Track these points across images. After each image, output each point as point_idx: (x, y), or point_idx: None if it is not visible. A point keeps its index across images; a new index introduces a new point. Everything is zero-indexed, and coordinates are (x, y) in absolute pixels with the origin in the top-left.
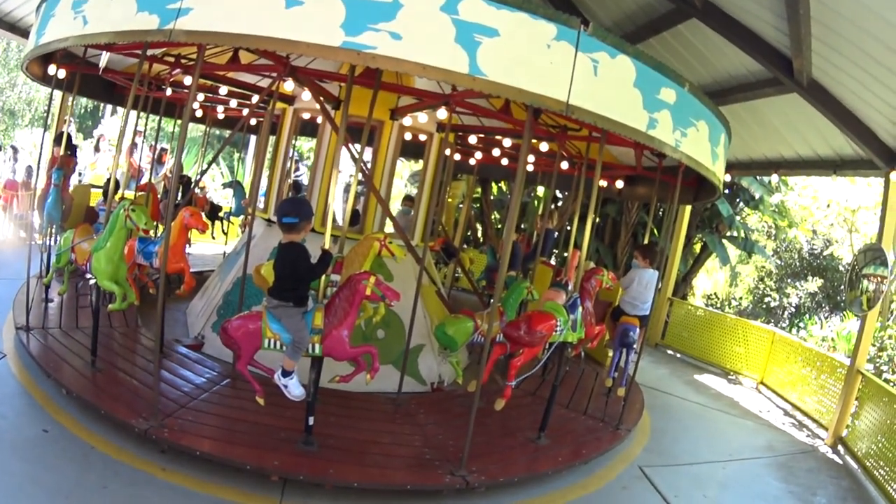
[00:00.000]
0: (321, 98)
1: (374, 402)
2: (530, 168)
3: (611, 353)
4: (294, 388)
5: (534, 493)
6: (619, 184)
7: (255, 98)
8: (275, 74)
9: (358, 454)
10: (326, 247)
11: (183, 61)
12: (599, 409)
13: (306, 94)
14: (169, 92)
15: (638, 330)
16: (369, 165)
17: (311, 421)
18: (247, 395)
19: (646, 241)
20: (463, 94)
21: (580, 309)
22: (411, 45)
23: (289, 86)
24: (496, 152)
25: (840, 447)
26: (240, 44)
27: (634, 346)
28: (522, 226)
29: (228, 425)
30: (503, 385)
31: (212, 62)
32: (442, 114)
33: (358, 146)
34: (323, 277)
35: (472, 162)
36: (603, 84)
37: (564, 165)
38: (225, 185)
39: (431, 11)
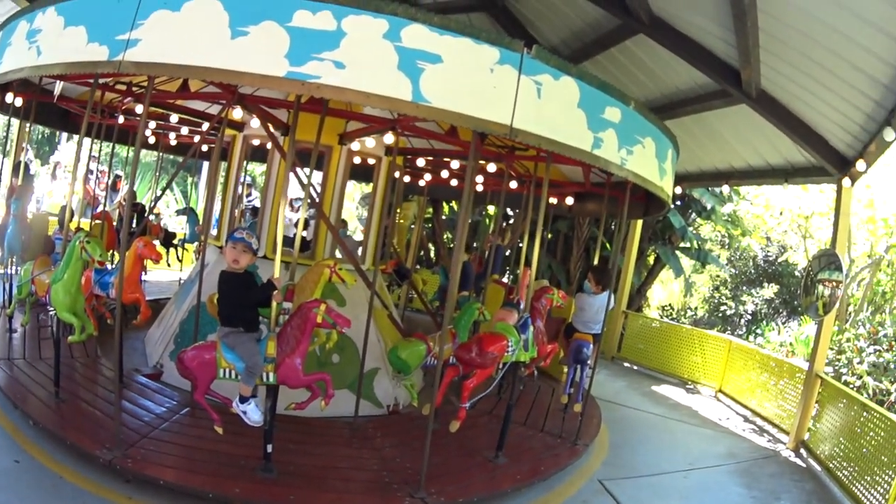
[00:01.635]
0: (269, 125)
1: (332, 427)
2: (480, 188)
3: (565, 370)
4: (253, 414)
5: None
6: (569, 200)
7: (206, 125)
8: (224, 102)
9: (317, 480)
10: (276, 274)
11: (134, 89)
12: (557, 426)
13: (255, 121)
14: (121, 119)
15: (592, 346)
16: (318, 191)
17: (269, 448)
18: (206, 424)
19: (596, 257)
20: (409, 119)
21: (531, 328)
22: (355, 73)
23: (237, 113)
24: (445, 173)
25: (802, 450)
26: (187, 75)
27: (589, 361)
28: (474, 245)
29: (190, 454)
30: (458, 406)
31: (163, 90)
32: (389, 138)
33: (307, 171)
34: (275, 305)
35: (422, 183)
36: (547, 106)
37: (513, 184)
38: (178, 212)
39: (374, 39)
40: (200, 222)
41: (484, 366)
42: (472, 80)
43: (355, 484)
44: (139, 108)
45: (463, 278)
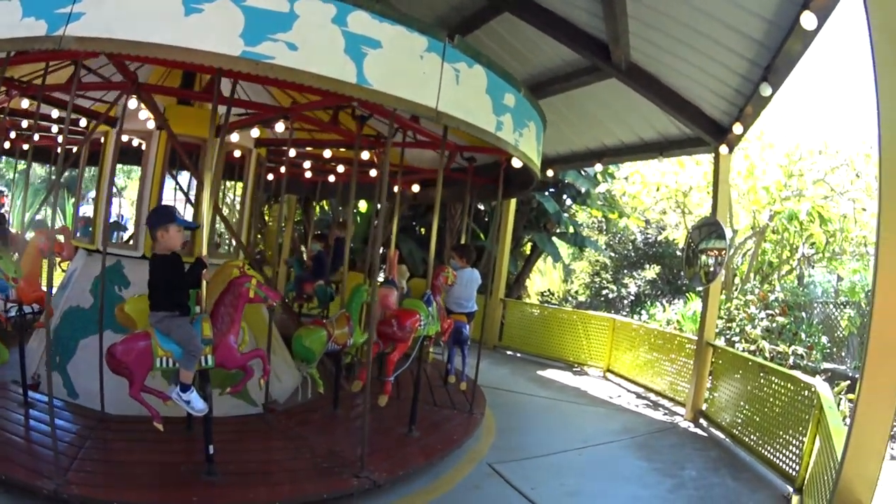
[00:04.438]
0: (164, 117)
1: (246, 423)
2: (333, 178)
3: (431, 350)
4: (196, 402)
5: None
6: (415, 188)
7: (84, 121)
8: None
9: (262, 475)
10: (204, 251)
11: (16, 83)
12: (447, 400)
13: (133, 116)
14: None
15: (468, 326)
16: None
17: (211, 450)
18: (129, 437)
19: (462, 242)
20: (302, 107)
21: (434, 304)
22: (306, 55)
23: (132, 104)
24: (309, 169)
25: (701, 420)
26: (137, 52)
27: (468, 342)
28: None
29: (129, 470)
30: (383, 381)
31: (50, 83)
32: (280, 127)
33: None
34: (205, 285)
35: (275, 179)
36: (463, 91)
37: (374, 173)
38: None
39: (324, 23)
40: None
41: (404, 339)
42: (406, 65)
43: (301, 473)
44: (25, 103)
45: (320, 267)
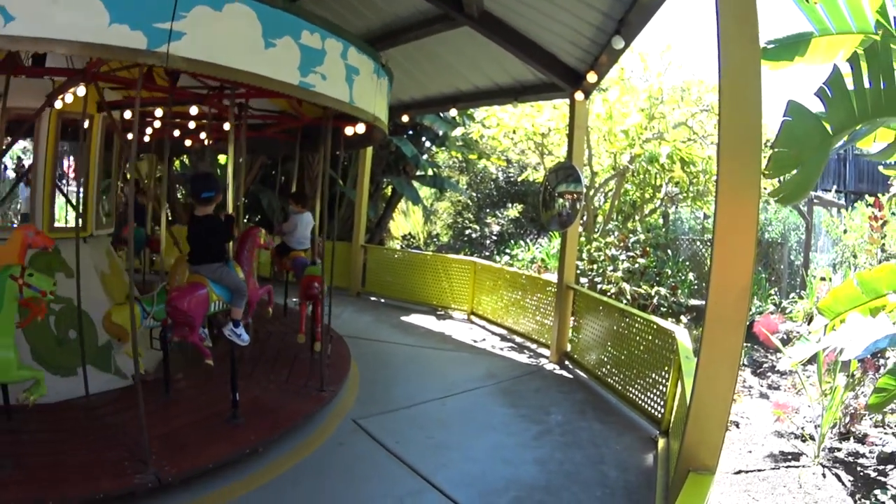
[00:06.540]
0: (106, 102)
1: (179, 381)
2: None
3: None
4: (244, 334)
5: (234, 478)
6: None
7: None
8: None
9: (266, 409)
10: (230, 210)
11: None
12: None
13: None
14: None
15: (318, 283)
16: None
17: (237, 396)
18: (134, 414)
19: (303, 184)
20: (217, 96)
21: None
22: (330, 83)
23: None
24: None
25: (567, 362)
26: (230, 77)
27: (319, 296)
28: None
29: (180, 439)
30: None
31: None
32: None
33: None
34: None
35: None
36: (381, 97)
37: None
38: None
39: (336, 57)
40: None
41: (322, 300)
42: (367, 84)
43: (288, 400)
44: None
45: (136, 213)
